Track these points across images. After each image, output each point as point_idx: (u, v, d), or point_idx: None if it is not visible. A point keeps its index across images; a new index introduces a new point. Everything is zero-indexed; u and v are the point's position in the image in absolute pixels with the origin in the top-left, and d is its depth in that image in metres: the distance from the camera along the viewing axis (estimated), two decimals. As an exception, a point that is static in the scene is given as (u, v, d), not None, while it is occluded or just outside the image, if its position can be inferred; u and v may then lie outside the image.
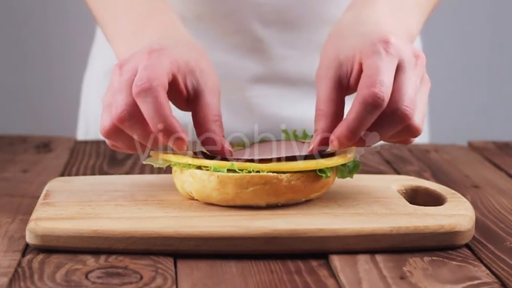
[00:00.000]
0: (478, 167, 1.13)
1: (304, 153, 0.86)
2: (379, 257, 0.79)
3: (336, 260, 0.78)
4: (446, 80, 2.46)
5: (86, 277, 0.73)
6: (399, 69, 0.81)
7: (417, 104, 0.82)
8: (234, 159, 0.84)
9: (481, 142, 1.27)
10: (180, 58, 0.83)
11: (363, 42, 0.83)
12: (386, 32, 0.83)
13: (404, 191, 0.93)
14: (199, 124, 0.84)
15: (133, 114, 0.80)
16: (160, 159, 0.86)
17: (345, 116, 0.82)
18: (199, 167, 0.84)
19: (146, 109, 0.79)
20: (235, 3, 1.18)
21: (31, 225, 0.79)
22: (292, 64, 1.22)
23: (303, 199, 0.86)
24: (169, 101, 0.82)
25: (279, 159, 0.85)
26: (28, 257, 0.77)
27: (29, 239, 0.78)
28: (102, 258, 0.77)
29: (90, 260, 0.76)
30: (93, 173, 1.05)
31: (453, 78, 2.48)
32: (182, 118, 0.85)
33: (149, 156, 0.88)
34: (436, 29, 2.38)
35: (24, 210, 0.89)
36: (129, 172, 1.06)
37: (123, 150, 0.85)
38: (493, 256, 0.80)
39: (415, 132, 0.83)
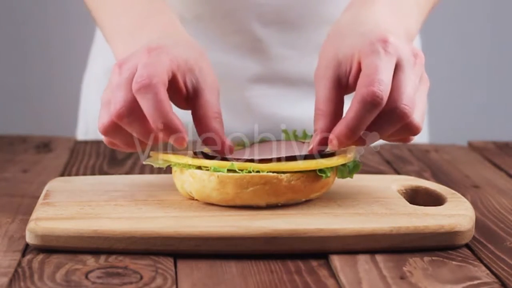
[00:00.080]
0: (478, 167, 1.13)
1: (304, 153, 0.86)
2: (379, 257, 0.79)
3: (336, 260, 0.78)
4: (446, 80, 2.46)
5: (86, 277, 0.73)
6: (397, 68, 0.81)
7: (416, 103, 0.82)
8: (234, 159, 0.84)
9: (481, 142, 1.27)
10: (179, 57, 0.83)
11: (362, 41, 0.83)
12: (385, 32, 0.83)
13: (404, 191, 0.93)
14: (199, 122, 0.84)
15: (132, 111, 0.80)
16: (160, 159, 0.86)
17: (344, 115, 0.82)
18: (199, 167, 0.84)
19: (146, 106, 0.79)
20: (234, 3, 1.18)
21: (31, 225, 0.79)
22: (291, 64, 1.22)
23: (303, 199, 0.86)
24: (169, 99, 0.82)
25: (279, 159, 0.85)
26: (28, 257, 0.77)
27: (29, 239, 0.78)
28: (102, 258, 0.77)
29: (90, 260, 0.76)
30: (93, 173, 1.05)
31: (453, 78, 2.48)
32: (182, 117, 0.85)
33: (149, 156, 0.88)
34: (436, 29, 2.38)
35: (24, 210, 0.89)
36: (129, 172, 1.06)
37: (121, 148, 0.85)
38: (493, 256, 0.80)
39: (414, 130, 0.83)
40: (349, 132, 0.81)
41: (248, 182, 0.82)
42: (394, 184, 0.93)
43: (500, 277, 0.75)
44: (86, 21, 1.08)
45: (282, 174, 0.83)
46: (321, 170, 0.84)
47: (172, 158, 0.86)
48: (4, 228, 0.84)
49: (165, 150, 0.88)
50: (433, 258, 0.79)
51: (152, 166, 0.87)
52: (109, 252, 0.78)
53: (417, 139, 1.30)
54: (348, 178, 0.89)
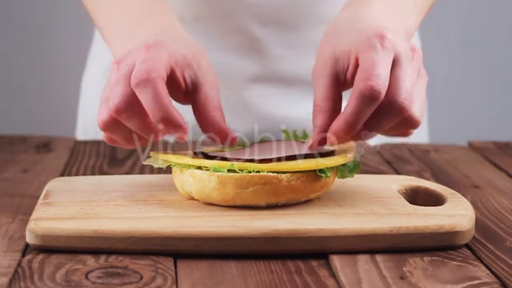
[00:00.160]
0: (478, 167, 1.13)
1: (304, 152, 0.86)
2: (379, 257, 0.79)
3: (336, 260, 0.78)
4: (446, 80, 2.46)
5: (86, 277, 0.73)
6: (395, 63, 0.82)
7: (415, 97, 0.82)
8: (234, 159, 0.84)
9: (481, 142, 1.27)
10: (177, 53, 0.83)
11: (359, 37, 0.83)
12: (382, 28, 0.83)
13: (404, 191, 0.93)
14: (200, 115, 0.84)
15: (130, 105, 0.80)
16: (160, 159, 0.86)
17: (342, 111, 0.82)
18: (199, 167, 0.84)
19: (145, 100, 0.80)
20: (232, 3, 1.18)
21: (31, 225, 0.79)
22: (289, 64, 1.22)
23: (303, 199, 0.86)
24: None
25: (279, 159, 0.85)
26: (28, 257, 0.77)
27: (29, 239, 0.78)
28: (102, 258, 0.77)
29: (90, 260, 0.76)
30: (93, 173, 1.05)
31: (453, 78, 2.48)
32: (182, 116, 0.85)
33: (149, 156, 0.88)
34: (436, 29, 2.38)
35: (24, 210, 0.89)
36: (129, 172, 1.06)
37: (121, 144, 0.85)
38: (493, 256, 0.80)
39: (414, 124, 0.83)
40: (348, 127, 0.81)
41: (248, 182, 0.82)
42: (394, 184, 0.93)
43: (500, 277, 0.75)
44: (85, 21, 1.08)
45: (282, 174, 0.83)
46: (321, 170, 0.84)
47: (172, 158, 0.86)
48: (4, 228, 0.84)
49: (165, 150, 0.88)
50: (433, 258, 0.79)
51: (152, 166, 0.87)
52: (109, 252, 0.78)
53: (417, 139, 1.31)
54: (348, 178, 0.89)
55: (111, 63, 0.84)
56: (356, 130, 0.81)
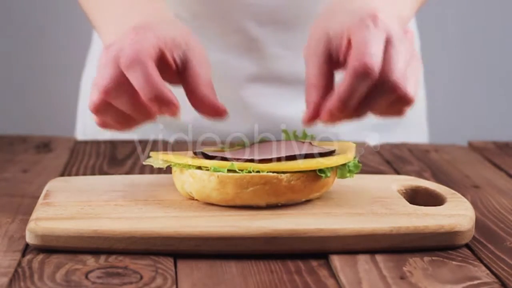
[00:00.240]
0: (478, 167, 1.13)
1: (304, 152, 0.86)
2: (379, 257, 0.79)
3: (336, 260, 0.78)
4: (446, 80, 2.46)
5: (86, 277, 0.73)
6: (388, 43, 0.82)
7: (408, 76, 0.82)
8: (234, 159, 0.84)
9: (481, 142, 1.27)
10: (166, 34, 0.84)
11: (352, 18, 0.83)
12: (375, 9, 0.83)
13: (404, 191, 0.93)
14: (191, 92, 0.84)
15: (119, 85, 0.81)
16: (160, 159, 0.86)
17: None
18: (199, 167, 0.84)
19: (136, 80, 0.80)
20: (230, 3, 1.19)
21: (31, 225, 0.79)
22: (286, 64, 1.22)
23: (303, 199, 0.86)
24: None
25: (279, 159, 0.85)
26: (28, 257, 0.77)
27: (29, 239, 0.78)
28: (102, 258, 0.77)
29: (90, 260, 0.76)
30: (93, 173, 1.05)
31: (453, 78, 2.48)
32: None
33: (149, 156, 0.88)
34: (436, 29, 2.38)
35: (24, 210, 0.89)
36: (129, 172, 1.06)
37: (114, 127, 0.85)
38: (493, 256, 0.80)
39: (408, 101, 0.82)
40: (342, 104, 0.80)
41: (248, 182, 0.82)
42: (394, 184, 0.93)
43: (500, 277, 0.75)
44: (84, 21, 1.08)
45: (282, 174, 0.83)
46: (321, 170, 0.84)
47: (172, 158, 0.86)
48: (4, 228, 0.84)
49: (165, 150, 0.88)
50: (433, 258, 0.79)
51: (152, 166, 0.87)
52: (109, 252, 0.78)
53: (417, 139, 1.31)
54: (348, 178, 0.89)
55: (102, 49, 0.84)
56: (350, 108, 0.81)
